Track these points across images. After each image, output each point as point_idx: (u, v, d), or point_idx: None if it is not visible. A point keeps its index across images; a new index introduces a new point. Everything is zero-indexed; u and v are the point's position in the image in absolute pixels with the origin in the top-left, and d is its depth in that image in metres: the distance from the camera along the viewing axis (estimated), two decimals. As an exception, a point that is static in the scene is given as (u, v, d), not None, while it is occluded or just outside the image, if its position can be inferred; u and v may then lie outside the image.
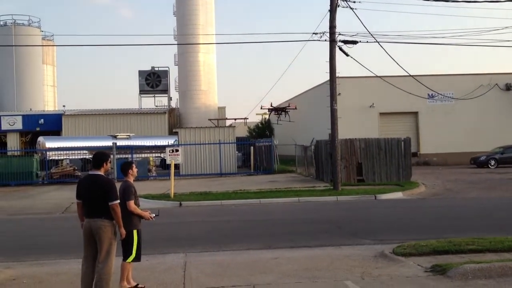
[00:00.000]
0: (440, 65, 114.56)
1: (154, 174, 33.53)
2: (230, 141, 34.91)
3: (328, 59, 23.57)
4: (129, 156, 33.62)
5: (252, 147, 38.38)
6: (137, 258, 8.05)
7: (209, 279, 8.49)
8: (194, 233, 13.83)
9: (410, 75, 30.03)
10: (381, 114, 40.68)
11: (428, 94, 38.85)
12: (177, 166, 32.76)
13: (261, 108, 17.29)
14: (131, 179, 8.27)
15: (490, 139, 38.73)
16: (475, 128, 40.15)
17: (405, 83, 34.66)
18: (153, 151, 38.03)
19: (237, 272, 8.92)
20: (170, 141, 38.21)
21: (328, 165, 25.84)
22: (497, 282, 7.78)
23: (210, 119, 47.22)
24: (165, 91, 57.67)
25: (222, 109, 58.03)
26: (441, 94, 38.52)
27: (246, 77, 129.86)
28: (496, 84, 41.28)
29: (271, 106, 16.15)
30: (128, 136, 40.66)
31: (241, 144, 39.47)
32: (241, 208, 19.10)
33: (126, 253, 7.97)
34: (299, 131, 46.62)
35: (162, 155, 36.19)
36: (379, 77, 32.89)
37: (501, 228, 12.61)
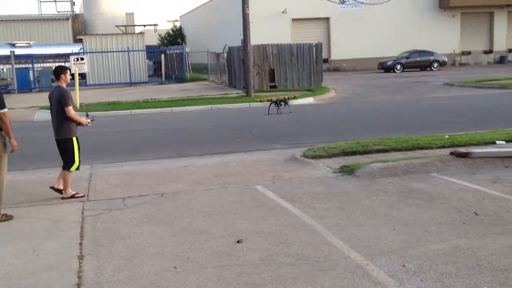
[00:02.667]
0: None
1: (58, 85, 31.70)
2: (140, 49, 33.40)
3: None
4: (30, 65, 31.45)
5: (163, 55, 37.04)
6: (79, 167, 7.86)
7: (115, 189, 8.13)
8: (101, 144, 13.24)
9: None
10: (294, 20, 40.28)
11: (339, 0, 38.71)
12: (83, 76, 31.17)
13: (260, 101, 16.67)
14: (63, 84, 7.73)
15: (397, 44, 39.72)
16: (383, 33, 40.89)
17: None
18: (57, 60, 35.64)
19: (146, 182, 8.61)
20: (75, 49, 35.98)
21: (241, 72, 25.50)
22: (401, 179, 8.01)
23: (117, 26, 44.70)
24: (67, -5, 53.61)
25: (130, 16, 55.04)
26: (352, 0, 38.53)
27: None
28: (404, -11, 41.78)
29: (269, 99, 15.56)
30: (28, 44, 37.76)
31: (151, 52, 37.95)
32: (152, 118, 18.57)
33: (68, 162, 7.70)
34: (211, 38, 45.45)
35: (67, 64, 34.12)
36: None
37: (405, 128, 13.05)
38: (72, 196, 7.71)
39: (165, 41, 56.93)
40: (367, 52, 40.58)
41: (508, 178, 7.78)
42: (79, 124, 7.78)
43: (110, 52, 32.26)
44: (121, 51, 32.36)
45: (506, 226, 5.74)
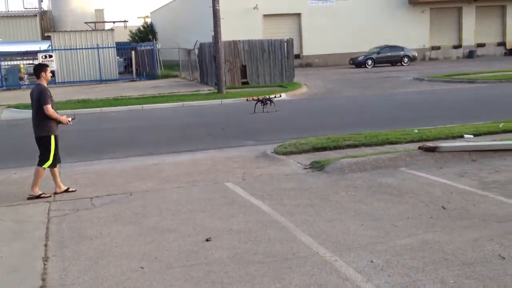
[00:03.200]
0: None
1: (26, 83, 31.08)
2: (109, 46, 32.93)
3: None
4: (-4, 63, 30.77)
5: (133, 52, 36.63)
6: (53, 165, 7.75)
7: (83, 189, 7.98)
8: (70, 143, 12.94)
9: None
10: (265, 16, 40.27)
11: (310, -5, 38.86)
12: (52, 73, 30.61)
13: (247, 100, 16.58)
14: (44, 82, 7.72)
15: (368, 39, 40.03)
16: (354, 29, 41.15)
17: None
18: (25, 58, 34.97)
19: (115, 181, 8.49)
20: (43, 46, 35.35)
21: (213, 69, 25.36)
22: (370, 174, 8.05)
23: (86, 23, 44.07)
24: (35, -9, 52.61)
25: (100, 12, 54.36)
26: (323, -5, 38.68)
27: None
28: (374, -15, 42.13)
29: (256, 98, 15.46)
30: (-6, 42, 37.02)
31: (122, 48, 37.51)
32: (122, 115, 18.33)
33: (42, 159, 7.65)
34: (183, 34, 45.12)
35: (35, 61, 33.45)
36: (263, -24, 32.19)
37: (376, 123, 13.15)
38: (39, 196, 7.57)
39: (136, 38, 56.31)
40: (338, 48, 40.82)
41: (475, 171, 7.89)
42: (59, 122, 7.76)
43: (79, 49, 31.75)
44: (91, 48, 31.88)
45: (473, 220, 5.81)
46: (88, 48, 31.86)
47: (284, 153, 9.78)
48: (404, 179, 7.67)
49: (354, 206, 6.52)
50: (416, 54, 39.44)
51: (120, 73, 34.97)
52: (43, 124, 7.59)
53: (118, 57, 35.57)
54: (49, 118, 7.59)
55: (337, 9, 40.79)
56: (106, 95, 23.71)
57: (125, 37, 54.25)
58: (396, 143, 10.08)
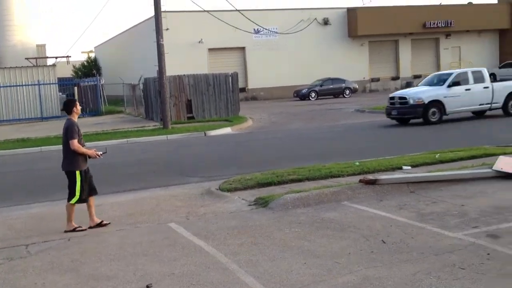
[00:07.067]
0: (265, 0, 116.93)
1: (-36, 122, 29.95)
2: (51, 82, 32.28)
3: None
4: None
5: (76, 88, 36.01)
6: (82, 200, 7.83)
7: (18, 235, 7.66)
8: (6, 185, 12.55)
9: (237, 10, 30.17)
10: (210, 49, 40.66)
11: (254, 29, 39.55)
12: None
13: None
14: (75, 117, 7.96)
15: (311, 72, 40.98)
16: (297, 62, 42.12)
17: (233, 18, 34.81)
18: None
19: (53, 225, 8.19)
20: (-19, 83, 34.24)
21: (158, 104, 25.22)
22: (314, 209, 8.11)
23: (27, 58, 43.11)
24: (-28, 27, 51.17)
25: (41, 47, 53.34)
26: (266, 29, 39.46)
27: (69, 11, 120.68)
28: (315, 18, 43.38)
29: None
30: None
31: (64, 84, 36.83)
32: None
33: (69, 194, 7.80)
34: (128, 69, 44.84)
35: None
36: (207, 11, 32.58)
37: (320, 155, 13.33)
38: (74, 230, 7.68)
39: (80, 73, 55.56)
40: (282, 80, 41.56)
41: (413, 203, 8.08)
42: (88, 156, 7.79)
43: (19, 86, 30.94)
44: (31, 85, 31.13)
45: (411, 253, 5.92)
46: (28, 85, 31.09)
47: (229, 190, 9.74)
48: (346, 213, 7.77)
49: (298, 243, 6.53)
50: (357, 86, 40.65)
51: (62, 109, 34.21)
52: (69, 159, 7.73)
53: (61, 93, 34.83)
54: (76, 153, 7.65)
55: (280, 43, 41.67)
56: (47, 133, 23.08)
57: (68, 73, 53.43)
58: (338, 176, 10.22)
